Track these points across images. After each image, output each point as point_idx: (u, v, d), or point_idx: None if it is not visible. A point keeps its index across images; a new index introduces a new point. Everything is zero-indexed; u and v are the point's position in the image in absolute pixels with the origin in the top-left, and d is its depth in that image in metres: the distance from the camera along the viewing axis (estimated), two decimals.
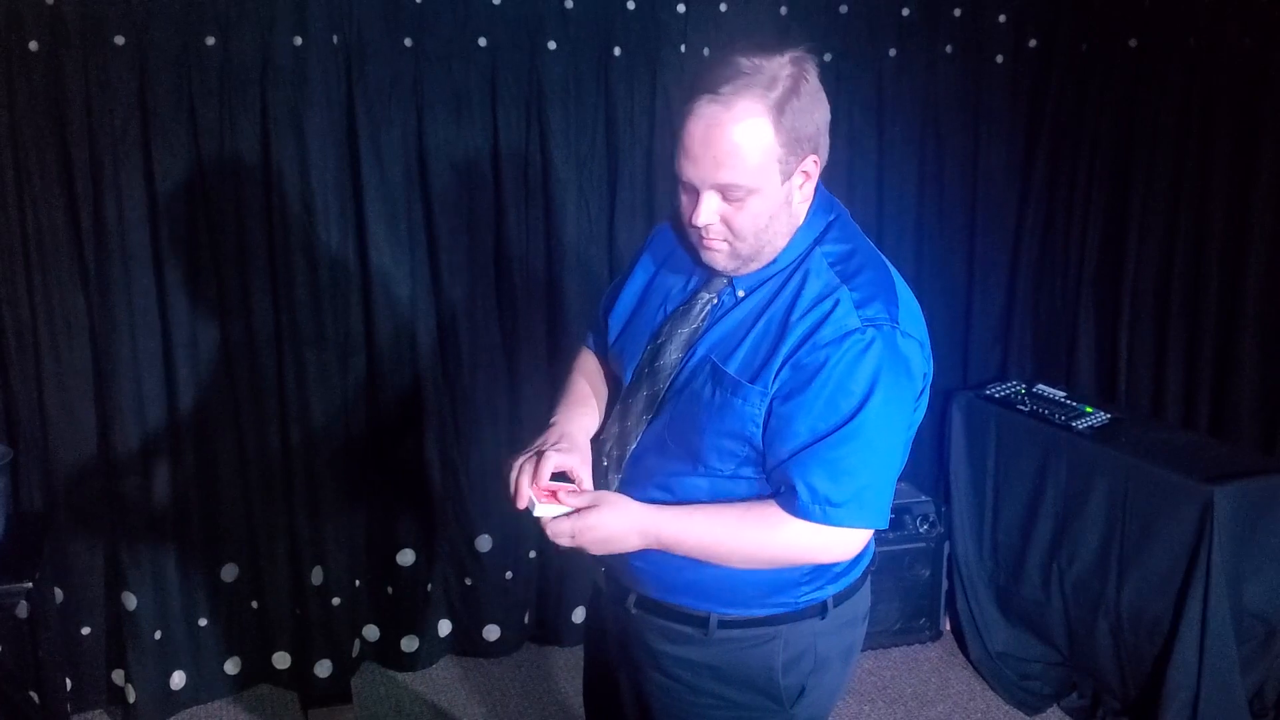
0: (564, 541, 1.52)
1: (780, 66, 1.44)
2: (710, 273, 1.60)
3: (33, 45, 2.52)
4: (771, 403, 1.49)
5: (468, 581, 3.16)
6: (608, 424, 1.70)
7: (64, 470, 2.76)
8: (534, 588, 3.24)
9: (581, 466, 1.60)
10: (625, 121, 2.98)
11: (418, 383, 3.00)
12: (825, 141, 1.52)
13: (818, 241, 1.55)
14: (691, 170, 1.47)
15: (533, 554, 3.19)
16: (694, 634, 1.63)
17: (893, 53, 3.18)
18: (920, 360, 1.52)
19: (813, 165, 1.50)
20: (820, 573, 1.61)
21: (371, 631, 3.17)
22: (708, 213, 1.49)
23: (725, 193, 1.47)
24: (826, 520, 1.49)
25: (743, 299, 1.56)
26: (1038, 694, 3.06)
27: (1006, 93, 3.29)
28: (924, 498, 3.30)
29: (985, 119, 3.29)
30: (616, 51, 2.94)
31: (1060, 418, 3.06)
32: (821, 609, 1.63)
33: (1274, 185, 3.10)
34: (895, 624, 3.27)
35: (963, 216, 3.35)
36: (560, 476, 1.59)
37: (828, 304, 1.47)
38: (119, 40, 2.57)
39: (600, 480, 1.65)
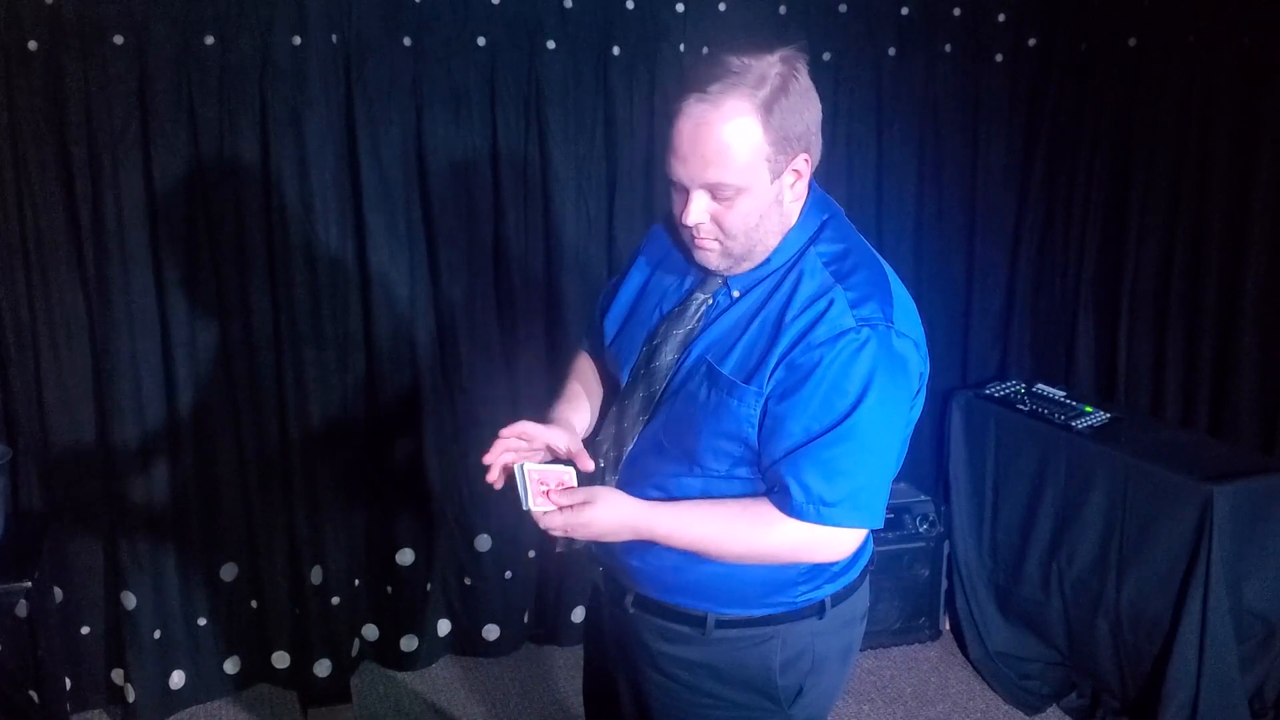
0: (557, 533, 1.54)
1: (770, 65, 1.43)
2: (705, 273, 1.59)
3: (31, 45, 2.52)
4: (766, 403, 1.49)
5: (467, 581, 3.16)
6: (604, 425, 1.70)
7: (63, 470, 2.76)
8: (533, 587, 3.24)
9: (569, 442, 1.60)
10: (624, 121, 2.98)
11: (417, 382, 3.00)
12: (817, 140, 1.52)
13: (812, 241, 1.55)
14: (680, 169, 1.47)
15: (532, 554, 3.19)
16: (692, 633, 1.63)
17: (892, 52, 3.18)
18: (916, 360, 1.52)
19: (804, 164, 1.50)
20: (818, 572, 1.61)
21: (371, 631, 3.17)
22: (697, 212, 1.49)
23: (714, 192, 1.47)
24: (820, 520, 1.49)
25: (737, 299, 1.56)
26: (1037, 693, 3.06)
27: (1006, 92, 3.29)
28: (923, 497, 3.30)
29: (984, 118, 3.29)
30: (615, 51, 2.94)
31: (1060, 417, 3.06)
32: (819, 609, 1.63)
33: (1273, 185, 3.11)
34: (895, 623, 3.27)
35: (962, 216, 3.35)
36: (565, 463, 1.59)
37: (822, 304, 1.47)
38: (118, 40, 2.57)
39: (597, 482, 1.65)
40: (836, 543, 1.53)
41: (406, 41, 2.79)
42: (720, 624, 1.62)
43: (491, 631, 3.19)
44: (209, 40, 2.63)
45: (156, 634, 2.90)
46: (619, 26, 2.92)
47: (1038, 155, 3.35)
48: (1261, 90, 3.08)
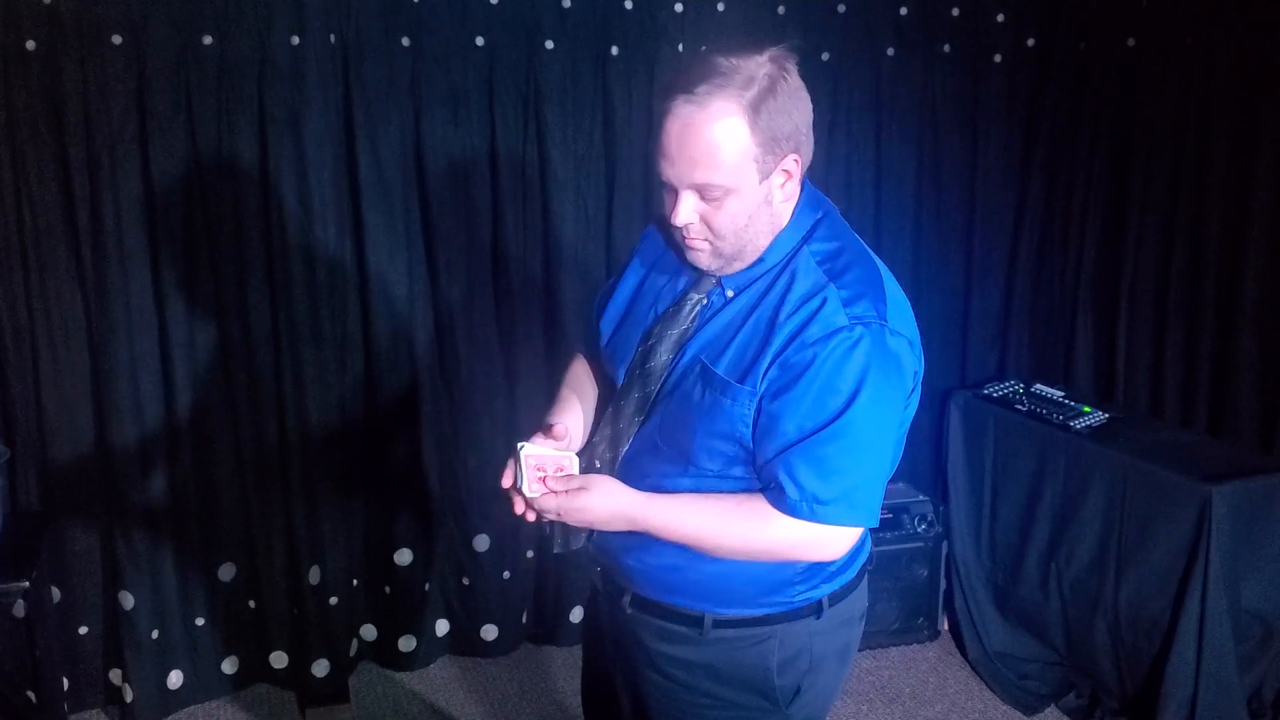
0: (550, 516, 1.53)
1: (758, 66, 1.43)
2: (699, 273, 1.60)
3: (30, 44, 2.52)
4: (760, 401, 1.49)
5: (465, 581, 3.16)
6: (600, 426, 1.70)
7: (61, 470, 2.76)
8: (532, 588, 3.24)
9: (573, 453, 1.60)
10: (623, 121, 2.98)
11: (415, 382, 3.00)
12: (808, 140, 1.51)
13: (805, 240, 1.54)
14: (669, 170, 1.47)
15: (530, 554, 3.19)
16: (689, 633, 1.63)
17: (891, 52, 3.18)
18: (910, 358, 1.52)
19: (794, 164, 1.50)
20: (815, 572, 1.61)
21: (369, 631, 3.17)
22: (686, 212, 1.49)
23: (703, 192, 1.47)
24: (814, 518, 1.49)
25: (731, 299, 1.56)
26: (1036, 694, 3.06)
27: (1005, 92, 3.29)
28: (922, 497, 3.30)
29: (983, 118, 3.29)
30: (614, 51, 2.94)
31: (1058, 417, 3.06)
32: (817, 608, 1.63)
33: (1272, 185, 3.11)
34: (893, 624, 3.27)
35: (961, 216, 3.35)
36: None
37: (815, 302, 1.47)
38: (116, 39, 2.57)
39: None
40: (831, 541, 1.53)
41: (405, 41, 2.79)
42: (718, 624, 1.62)
43: (490, 631, 3.19)
44: (207, 40, 2.63)
45: (154, 634, 2.90)
46: (618, 26, 2.92)
47: (1036, 155, 3.35)
48: (1260, 90, 3.08)
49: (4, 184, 2.59)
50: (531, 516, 1.56)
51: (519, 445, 1.55)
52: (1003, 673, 3.13)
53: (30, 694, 2.77)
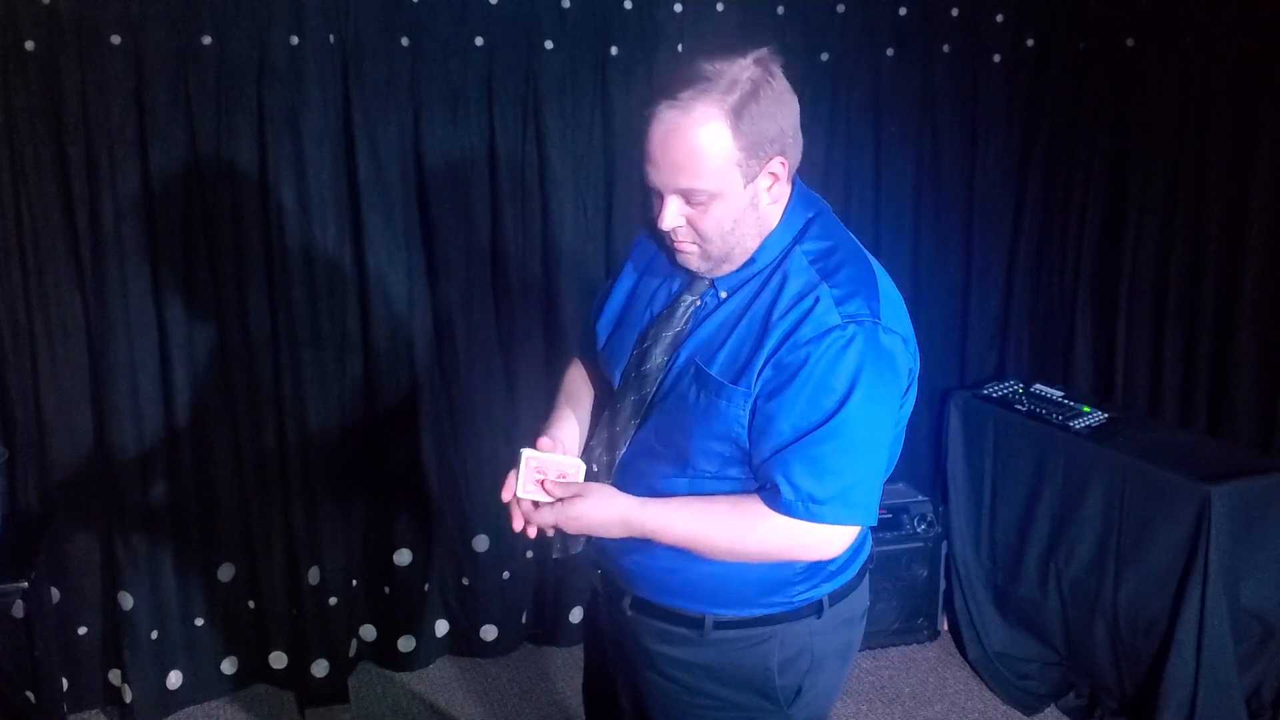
0: (548, 529, 1.54)
1: (742, 70, 1.43)
2: (692, 275, 1.60)
3: (29, 45, 2.52)
4: (755, 402, 1.49)
5: (465, 581, 3.16)
6: (596, 430, 1.70)
7: (60, 470, 2.76)
8: (531, 588, 3.24)
9: (577, 460, 1.61)
10: (622, 121, 2.98)
11: (414, 382, 3.00)
12: (795, 141, 1.51)
13: (798, 240, 1.55)
14: (654, 175, 1.48)
15: (529, 554, 3.19)
16: (690, 635, 1.63)
17: (890, 52, 3.18)
18: (904, 355, 1.52)
19: (780, 167, 1.50)
20: (815, 572, 1.61)
21: (368, 631, 3.17)
22: (672, 217, 1.50)
23: (687, 197, 1.48)
24: (810, 517, 1.49)
25: (725, 300, 1.57)
26: (1035, 694, 3.06)
27: (1004, 92, 3.29)
28: (921, 497, 3.30)
29: (983, 118, 3.29)
30: (614, 51, 2.94)
31: (1058, 417, 3.06)
32: (817, 608, 1.63)
33: (1271, 185, 3.11)
34: (893, 624, 3.27)
35: (960, 216, 3.35)
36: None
37: (808, 301, 1.47)
38: (115, 40, 2.57)
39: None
40: (827, 540, 1.53)
41: (404, 42, 2.78)
42: (718, 625, 1.62)
43: (489, 632, 3.19)
44: (206, 40, 2.62)
45: (154, 634, 2.90)
46: (617, 27, 2.92)
47: (1036, 155, 3.35)
48: (1259, 90, 3.08)
49: (3, 184, 2.58)
50: (532, 531, 1.57)
51: (521, 450, 1.55)
52: (1002, 673, 3.13)
53: (29, 694, 2.76)
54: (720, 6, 3.00)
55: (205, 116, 2.67)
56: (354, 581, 3.08)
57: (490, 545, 3.12)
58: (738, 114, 1.42)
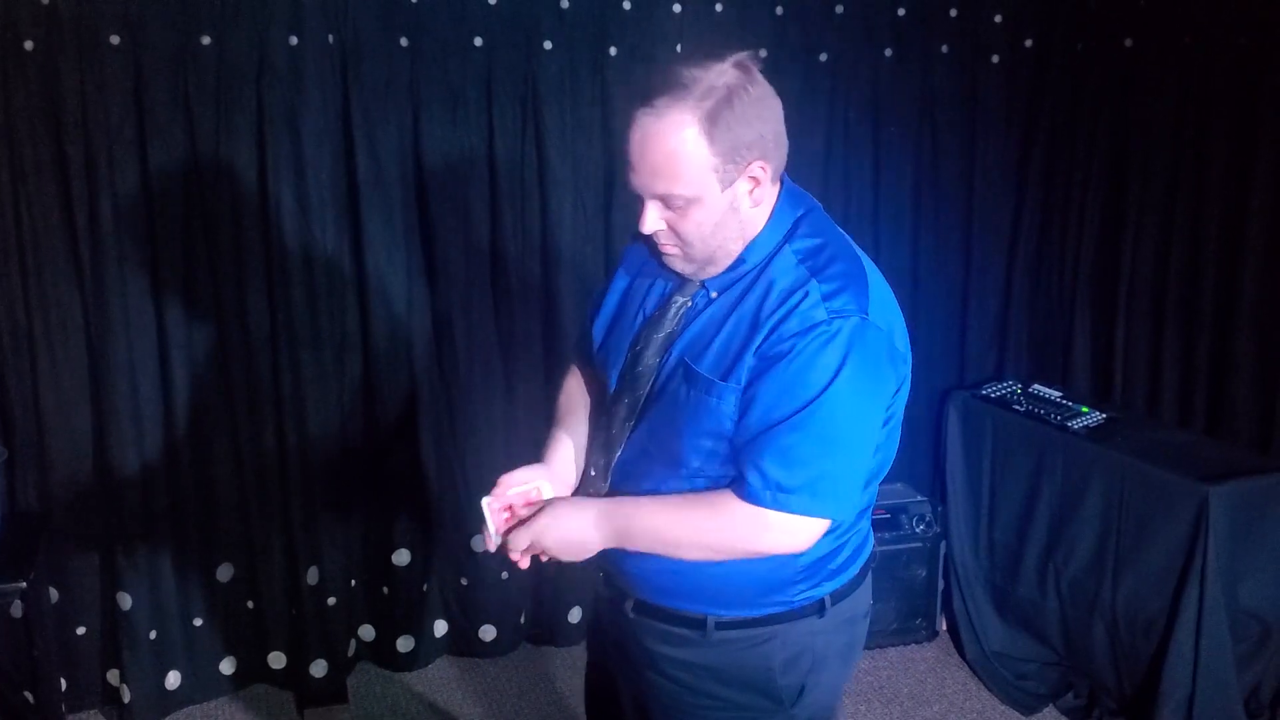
0: (527, 548, 1.58)
1: (719, 75, 1.44)
2: (683, 276, 1.60)
3: (28, 44, 2.52)
4: (742, 395, 1.50)
5: (464, 581, 3.16)
6: (595, 433, 1.71)
7: (59, 470, 2.75)
8: (530, 588, 3.24)
9: (544, 480, 1.65)
10: (622, 121, 2.96)
11: (413, 383, 3.00)
12: (776, 144, 1.50)
13: (787, 239, 1.55)
14: (634, 180, 1.50)
15: None
16: (692, 636, 1.63)
17: (889, 53, 3.18)
18: (891, 352, 1.52)
19: (760, 171, 1.49)
20: (816, 570, 1.61)
21: (367, 631, 3.17)
22: (652, 221, 1.51)
23: (666, 201, 1.49)
24: (776, 506, 1.48)
25: (715, 300, 1.57)
26: (1034, 694, 3.06)
27: (1003, 93, 3.29)
28: (920, 498, 3.30)
29: (981, 119, 3.29)
30: (613, 51, 2.94)
31: (1056, 417, 3.06)
32: (819, 607, 1.63)
33: (1270, 185, 3.10)
34: (891, 624, 3.27)
35: (959, 216, 3.35)
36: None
37: (796, 297, 1.48)
38: (114, 39, 2.57)
39: (588, 489, 1.67)
40: (793, 531, 1.51)
41: (403, 42, 2.78)
42: (720, 625, 1.62)
43: (488, 632, 3.19)
44: (205, 40, 2.62)
45: (152, 634, 2.89)
46: (616, 27, 2.92)
47: (1034, 156, 3.35)
48: (1258, 91, 3.08)
49: (2, 184, 2.58)
50: (525, 562, 1.61)
51: (481, 501, 1.60)
52: (1001, 673, 3.13)
53: (28, 694, 2.76)
54: (719, 7, 3.00)
55: (204, 116, 2.67)
56: (353, 581, 3.08)
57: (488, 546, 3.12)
58: (712, 120, 1.43)
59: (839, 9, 3.10)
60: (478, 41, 2.83)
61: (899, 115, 3.23)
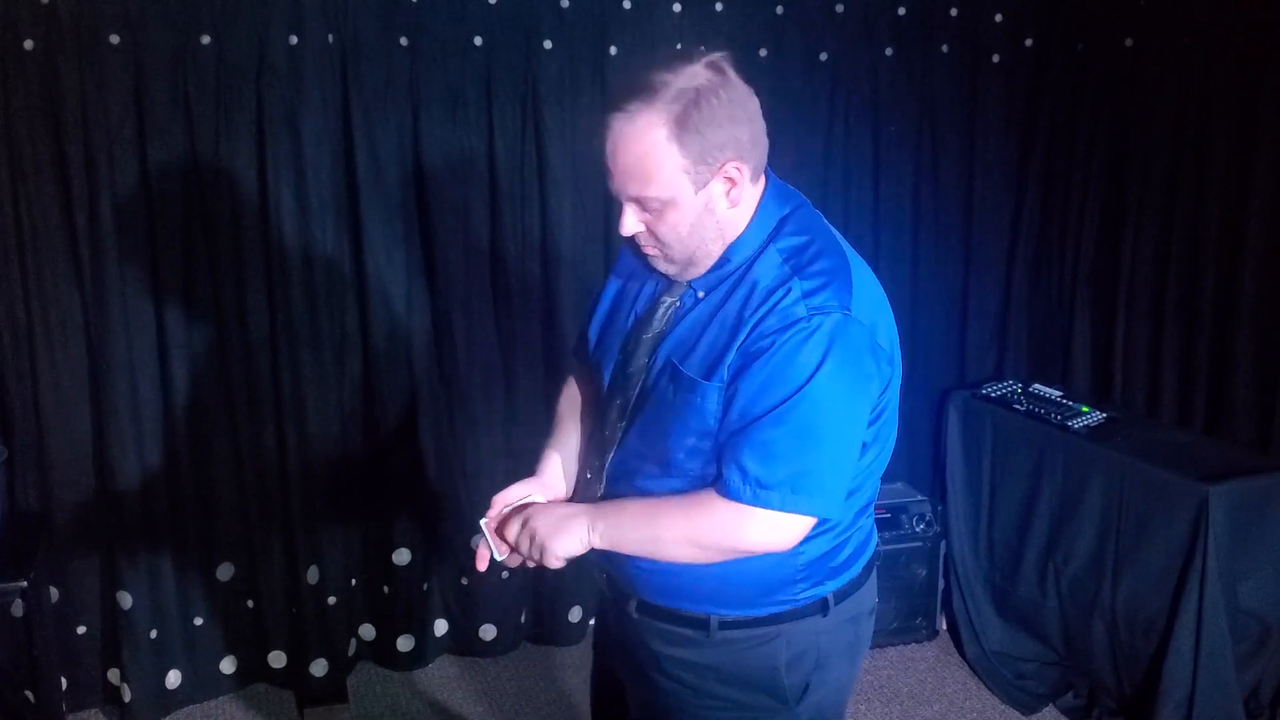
0: (524, 544, 1.60)
1: (690, 77, 1.44)
2: (670, 277, 1.61)
3: (28, 44, 2.52)
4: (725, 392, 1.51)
5: (464, 581, 3.16)
6: (589, 435, 1.72)
7: (59, 469, 2.75)
8: (530, 587, 3.24)
9: (538, 494, 1.70)
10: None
11: (413, 382, 3.00)
12: (753, 144, 1.50)
13: (772, 238, 1.55)
14: (610, 183, 1.50)
15: None
16: (695, 636, 1.63)
17: (889, 52, 3.18)
18: (874, 348, 1.51)
19: (735, 171, 1.49)
20: (817, 569, 1.61)
21: (368, 631, 3.17)
22: (631, 224, 1.52)
23: (642, 204, 1.50)
24: (756, 502, 1.48)
25: (702, 300, 1.58)
26: (1033, 693, 3.06)
27: (1003, 92, 3.29)
28: (920, 497, 3.30)
29: (981, 118, 3.29)
30: (613, 51, 2.94)
31: (1056, 417, 3.06)
32: (822, 606, 1.63)
33: (1270, 185, 3.11)
34: (891, 623, 3.27)
35: (959, 216, 3.35)
36: None
37: (778, 295, 1.48)
38: (114, 39, 2.57)
39: (584, 491, 1.68)
40: (777, 527, 1.50)
41: (403, 41, 2.78)
42: (723, 625, 1.62)
43: (488, 631, 3.19)
44: (205, 40, 2.62)
45: (153, 634, 2.90)
46: (616, 27, 2.92)
47: (1034, 155, 3.35)
48: (1258, 91, 3.08)
49: (1, 185, 2.58)
50: (515, 559, 1.66)
51: (480, 522, 1.66)
52: (1000, 672, 3.13)
53: (28, 694, 2.76)
54: (719, 6, 3.00)
55: (204, 116, 2.67)
56: (353, 581, 3.08)
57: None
58: (681, 123, 1.43)
59: (839, 9, 3.10)
60: (478, 41, 2.83)
61: (899, 115, 3.23)
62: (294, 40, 2.68)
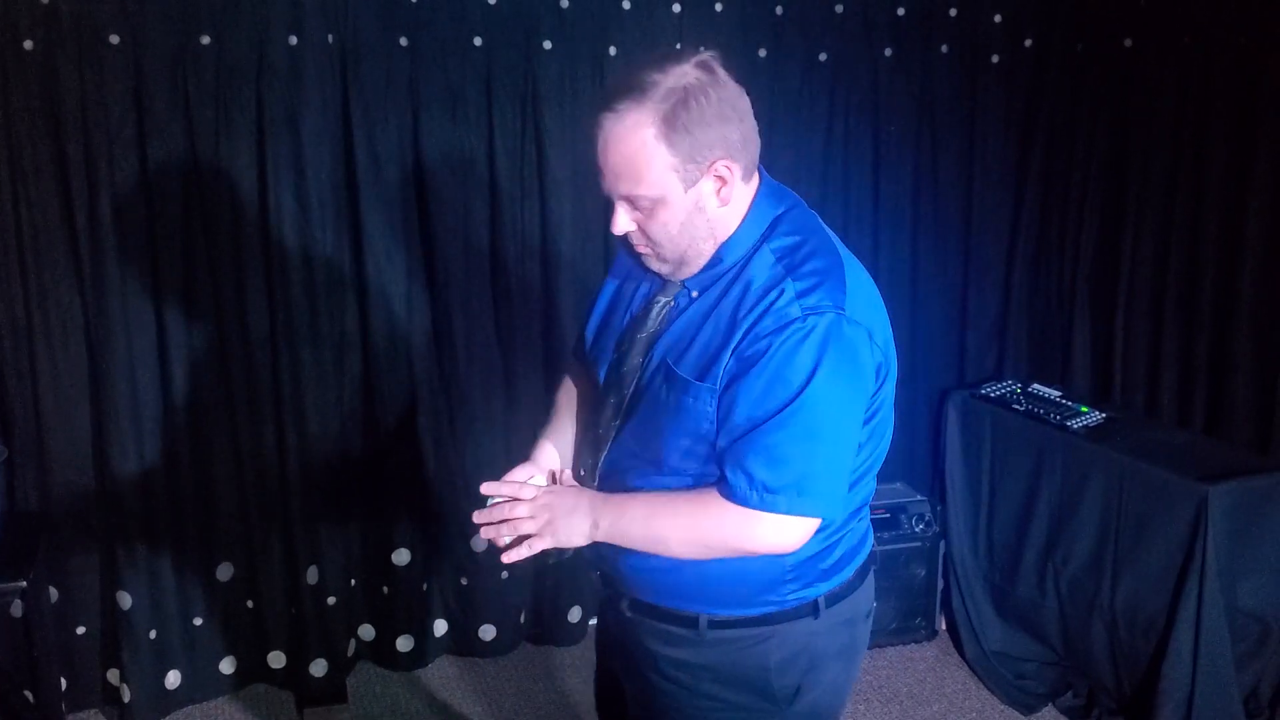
0: (540, 518, 1.59)
1: (680, 76, 1.45)
2: (664, 277, 1.61)
3: (27, 44, 2.52)
4: (720, 396, 1.51)
5: (463, 581, 3.16)
6: (583, 433, 1.73)
7: (59, 469, 2.75)
8: (530, 588, 3.24)
9: (540, 475, 1.70)
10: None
11: (413, 382, 3.00)
12: (743, 143, 1.51)
13: (765, 237, 1.55)
14: (602, 182, 1.51)
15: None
16: (687, 635, 1.64)
17: (888, 53, 3.18)
18: (869, 347, 1.51)
19: (725, 170, 1.50)
20: (806, 570, 1.61)
21: (367, 631, 3.17)
22: (622, 223, 1.53)
23: (632, 203, 1.51)
24: (763, 506, 1.49)
25: (696, 299, 1.58)
26: (1033, 693, 3.07)
27: (1002, 92, 3.29)
28: (919, 497, 3.30)
29: (981, 118, 3.29)
30: (612, 51, 2.94)
31: (1055, 417, 3.06)
32: (814, 608, 1.63)
33: (1269, 186, 3.11)
34: (891, 623, 3.27)
35: (959, 216, 3.36)
36: None
37: (771, 295, 1.48)
38: (114, 39, 2.57)
39: None
40: (781, 531, 1.52)
41: (403, 41, 2.79)
42: (714, 624, 1.62)
43: (488, 631, 3.19)
44: (205, 40, 2.63)
45: (152, 634, 2.90)
46: (616, 27, 2.93)
47: (1034, 156, 3.35)
48: (1257, 91, 3.08)
49: (2, 184, 2.59)
50: (491, 533, 1.65)
51: (482, 486, 1.66)
52: (1000, 672, 3.13)
53: (28, 694, 2.76)
54: (719, 7, 3.00)
55: (204, 116, 2.67)
56: (353, 581, 3.08)
57: (489, 545, 3.11)
58: (670, 123, 1.44)
59: (839, 9, 3.11)
60: (477, 41, 2.83)
61: (898, 115, 3.23)
62: (294, 40, 2.68)
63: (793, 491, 1.49)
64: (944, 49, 3.22)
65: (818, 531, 1.56)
